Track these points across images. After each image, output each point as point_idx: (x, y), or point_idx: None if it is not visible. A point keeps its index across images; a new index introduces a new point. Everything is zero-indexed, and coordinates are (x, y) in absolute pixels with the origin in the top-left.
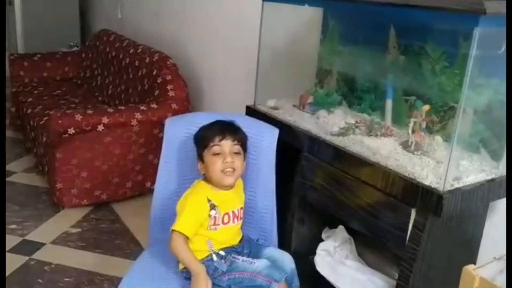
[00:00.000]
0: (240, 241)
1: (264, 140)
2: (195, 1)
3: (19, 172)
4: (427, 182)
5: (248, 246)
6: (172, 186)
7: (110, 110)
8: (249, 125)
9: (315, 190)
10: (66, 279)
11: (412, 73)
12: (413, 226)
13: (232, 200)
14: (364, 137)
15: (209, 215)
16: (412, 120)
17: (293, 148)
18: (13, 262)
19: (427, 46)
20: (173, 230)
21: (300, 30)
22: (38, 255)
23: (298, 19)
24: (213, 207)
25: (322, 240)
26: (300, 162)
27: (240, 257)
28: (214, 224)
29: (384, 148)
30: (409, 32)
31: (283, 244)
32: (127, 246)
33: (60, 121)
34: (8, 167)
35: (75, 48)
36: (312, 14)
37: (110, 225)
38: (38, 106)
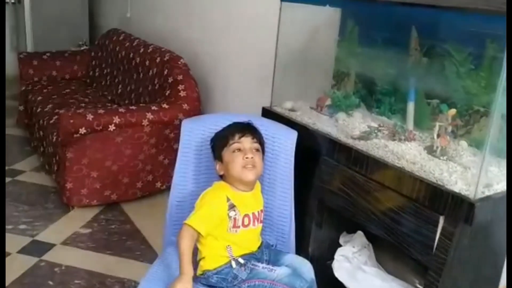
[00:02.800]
0: (259, 247)
1: (283, 142)
2: (207, 0)
3: (28, 171)
4: (456, 188)
5: (268, 253)
6: (188, 188)
7: (122, 110)
8: (267, 126)
9: (334, 194)
10: (77, 281)
11: (435, 75)
12: (441, 234)
13: (251, 202)
14: (388, 141)
15: (229, 216)
16: (437, 124)
17: (312, 150)
18: (23, 263)
19: (451, 47)
20: (184, 224)
21: (318, 31)
22: (48, 256)
23: (316, 20)
24: (232, 207)
25: (340, 245)
26: (318, 165)
27: (260, 264)
28: (234, 226)
29: (409, 153)
30: (432, 33)
31: (300, 248)
32: (138, 248)
33: (71, 121)
34: (16, 166)
35: (84, 47)
36: (331, 15)
37: (120, 226)
38: (48, 105)
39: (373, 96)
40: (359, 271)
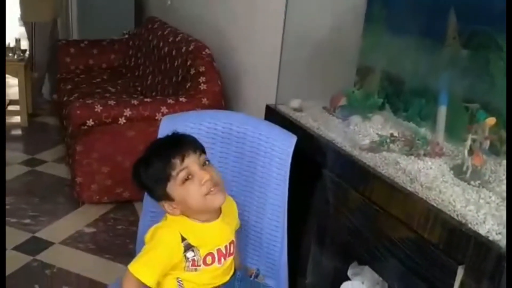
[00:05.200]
0: (231, 277)
1: (278, 148)
2: None
3: (50, 162)
4: (483, 230)
5: (240, 286)
6: None
7: (135, 102)
8: (260, 128)
9: (335, 217)
10: (64, 287)
11: (477, 72)
12: None
13: (218, 235)
14: (401, 155)
15: (186, 258)
16: (470, 136)
17: (313, 161)
18: (15, 261)
19: (499, 37)
20: (128, 271)
21: (340, 19)
22: (43, 256)
23: (339, 5)
24: (189, 247)
25: (347, 278)
26: (319, 179)
27: None
28: (194, 265)
29: (426, 174)
30: (475, 18)
31: (296, 276)
32: None
33: (78, 112)
34: (42, 155)
35: (126, 36)
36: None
37: (127, 227)
38: (74, 94)
39: (401, 96)
40: None
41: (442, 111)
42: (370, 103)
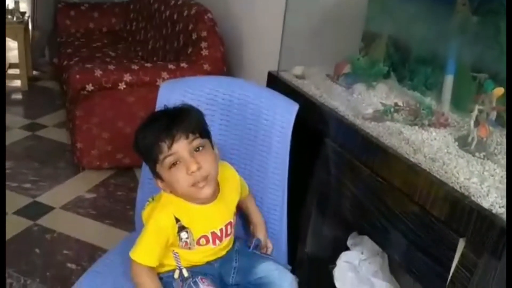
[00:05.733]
0: (228, 251)
1: (279, 116)
2: None
3: (50, 127)
4: (486, 203)
5: (238, 259)
6: None
7: (135, 67)
8: (262, 96)
9: (336, 187)
10: (65, 252)
11: (487, 40)
12: (460, 263)
13: (213, 218)
14: (404, 125)
15: (180, 238)
16: (477, 107)
17: (315, 130)
18: (16, 226)
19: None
20: (132, 260)
21: None
22: (44, 221)
23: None
24: (182, 229)
25: (347, 248)
26: (321, 148)
27: (201, 286)
28: (187, 245)
29: (430, 145)
30: None
31: (295, 244)
32: None
33: (77, 76)
34: (42, 120)
35: None
36: None
37: (127, 193)
38: (74, 58)
39: (407, 64)
40: (365, 285)
41: (449, 81)
42: (375, 71)
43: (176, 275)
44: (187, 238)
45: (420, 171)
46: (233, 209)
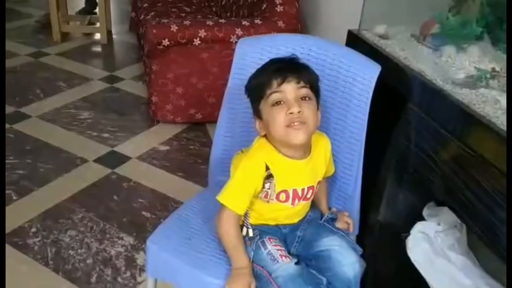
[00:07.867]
0: (300, 220)
1: (359, 78)
2: None
3: (127, 79)
4: None
5: (306, 228)
6: (237, 121)
7: (210, 23)
8: (342, 55)
9: (418, 156)
10: (140, 200)
11: None
12: None
13: (300, 174)
14: (502, 93)
15: (263, 185)
16: None
17: (397, 94)
18: (97, 173)
19: None
20: (221, 205)
21: None
22: (121, 170)
23: None
24: (269, 177)
25: (422, 218)
26: (402, 113)
27: (270, 246)
28: (266, 196)
29: None
30: None
31: (368, 212)
32: None
33: (154, 31)
34: (119, 73)
35: None
36: None
37: (200, 147)
38: (151, 13)
39: (503, 26)
40: (440, 257)
41: None
42: (467, 32)
43: (244, 232)
44: (269, 188)
45: None
46: (319, 177)
